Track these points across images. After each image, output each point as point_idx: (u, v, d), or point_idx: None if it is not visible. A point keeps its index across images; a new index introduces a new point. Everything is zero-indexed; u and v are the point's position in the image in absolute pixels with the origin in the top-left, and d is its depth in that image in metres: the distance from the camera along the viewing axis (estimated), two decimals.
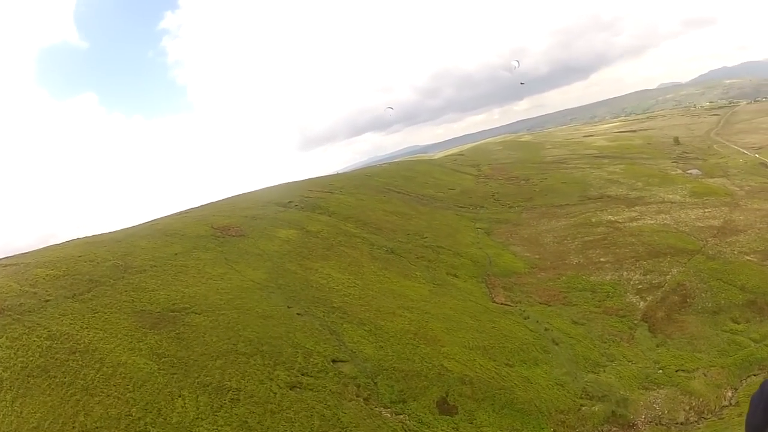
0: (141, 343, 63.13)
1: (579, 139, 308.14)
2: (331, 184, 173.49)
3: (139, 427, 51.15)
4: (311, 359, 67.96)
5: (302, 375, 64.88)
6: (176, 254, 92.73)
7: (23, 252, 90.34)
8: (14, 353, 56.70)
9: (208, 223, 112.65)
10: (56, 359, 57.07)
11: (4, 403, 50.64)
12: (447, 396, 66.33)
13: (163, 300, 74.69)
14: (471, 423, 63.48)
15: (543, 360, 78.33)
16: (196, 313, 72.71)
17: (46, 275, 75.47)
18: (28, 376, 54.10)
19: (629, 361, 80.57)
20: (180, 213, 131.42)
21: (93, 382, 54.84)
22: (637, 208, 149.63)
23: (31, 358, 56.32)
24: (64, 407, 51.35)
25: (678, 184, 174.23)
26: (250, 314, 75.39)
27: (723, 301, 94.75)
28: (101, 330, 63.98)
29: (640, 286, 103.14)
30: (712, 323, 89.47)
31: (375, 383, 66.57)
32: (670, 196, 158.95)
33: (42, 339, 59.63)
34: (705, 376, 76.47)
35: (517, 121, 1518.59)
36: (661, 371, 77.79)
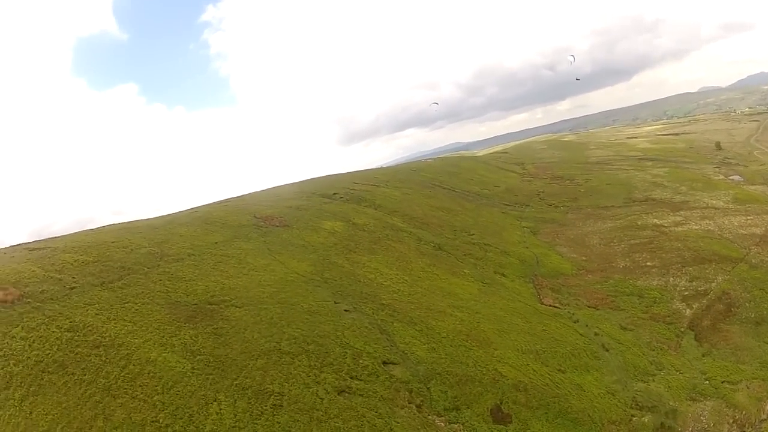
0: (174, 339, 55.60)
1: (622, 141, 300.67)
2: (375, 177, 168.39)
3: None
4: (361, 361, 60.62)
5: (351, 378, 57.53)
6: (216, 243, 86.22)
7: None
8: (29, 345, 48.94)
9: (251, 212, 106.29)
10: (76, 354, 49.30)
11: (12, 402, 42.78)
12: (501, 403, 60.64)
13: (200, 291, 67.45)
14: None
15: (594, 366, 73.25)
16: (236, 307, 65.37)
17: (75, 261, 68.17)
18: (43, 372, 46.29)
19: (677, 371, 75.88)
20: (221, 202, 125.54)
21: (116, 382, 47.13)
22: (682, 212, 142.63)
23: (48, 352, 48.55)
24: (81, 409, 43.48)
25: (721, 189, 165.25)
26: (294, 309, 68.05)
27: (765, 312, 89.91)
28: (130, 322, 56.52)
29: (686, 293, 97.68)
30: (754, 334, 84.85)
31: (428, 388, 59.88)
32: (714, 202, 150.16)
33: (62, 330, 51.87)
34: (748, 388, 72.21)
35: (560, 121, 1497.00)
36: (707, 382, 73.61)
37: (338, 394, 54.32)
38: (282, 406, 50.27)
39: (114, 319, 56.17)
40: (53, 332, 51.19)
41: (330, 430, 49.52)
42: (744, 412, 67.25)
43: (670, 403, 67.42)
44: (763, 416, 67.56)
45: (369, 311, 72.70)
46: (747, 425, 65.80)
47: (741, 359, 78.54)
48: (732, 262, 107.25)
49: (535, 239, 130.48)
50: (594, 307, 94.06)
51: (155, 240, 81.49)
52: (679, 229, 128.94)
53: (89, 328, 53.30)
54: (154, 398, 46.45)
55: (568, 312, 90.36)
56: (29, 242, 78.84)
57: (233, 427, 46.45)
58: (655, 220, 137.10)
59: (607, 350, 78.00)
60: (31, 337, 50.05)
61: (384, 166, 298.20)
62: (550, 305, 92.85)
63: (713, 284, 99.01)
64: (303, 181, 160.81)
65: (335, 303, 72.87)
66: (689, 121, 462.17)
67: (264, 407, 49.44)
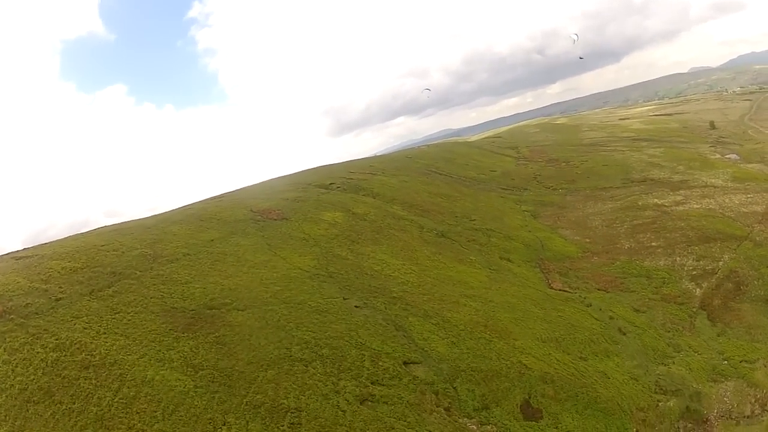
0: (172, 352, 49.60)
1: (615, 122, 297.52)
2: (371, 165, 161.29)
3: None
4: (380, 363, 55.10)
5: (372, 384, 51.85)
6: (212, 240, 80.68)
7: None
8: (12, 370, 42.85)
9: (247, 206, 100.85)
10: (64, 378, 43.18)
11: None
12: (530, 398, 56.48)
13: (198, 294, 61.64)
14: (556, 428, 53.92)
15: (614, 351, 69.88)
16: (238, 310, 59.66)
17: (62, 268, 62.21)
18: (28, 402, 40.22)
19: (695, 352, 72.81)
20: (215, 197, 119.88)
21: (110, 410, 41.01)
22: (681, 192, 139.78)
23: (33, 377, 42.43)
24: None
25: (719, 168, 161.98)
26: (302, 309, 62.49)
27: None
28: (122, 335, 50.44)
29: (694, 272, 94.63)
30: (766, 312, 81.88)
31: (454, 388, 54.86)
32: (713, 181, 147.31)
33: (48, 350, 45.75)
34: (765, 367, 69.98)
35: (550, 105, 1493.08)
36: (726, 362, 70.95)
37: (361, 403, 48.79)
38: (301, 423, 44.49)
39: (104, 333, 50.22)
40: (38, 353, 45.20)
41: None
42: (765, 391, 65.03)
43: (694, 386, 64.84)
44: None
45: (381, 306, 67.52)
46: None
47: (755, 337, 76.09)
48: (736, 240, 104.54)
49: (536, 223, 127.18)
50: (604, 290, 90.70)
51: (147, 240, 75.92)
52: (681, 208, 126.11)
53: (77, 345, 47.25)
54: (154, 427, 40.48)
55: (580, 296, 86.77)
56: (17, 251, 73.45)
57: None
58: (656, 200, 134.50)
59: (624, 334, 74.71)
60: (14, 360, 44.10)
61: (377, 155, 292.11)
62: (560, 289, 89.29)
63: (720, 263, 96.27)
64: (298, 173, 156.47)
65: (344, 299, 67.64)
66: (681, 101, 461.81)
67: (281, 427, 43.67)
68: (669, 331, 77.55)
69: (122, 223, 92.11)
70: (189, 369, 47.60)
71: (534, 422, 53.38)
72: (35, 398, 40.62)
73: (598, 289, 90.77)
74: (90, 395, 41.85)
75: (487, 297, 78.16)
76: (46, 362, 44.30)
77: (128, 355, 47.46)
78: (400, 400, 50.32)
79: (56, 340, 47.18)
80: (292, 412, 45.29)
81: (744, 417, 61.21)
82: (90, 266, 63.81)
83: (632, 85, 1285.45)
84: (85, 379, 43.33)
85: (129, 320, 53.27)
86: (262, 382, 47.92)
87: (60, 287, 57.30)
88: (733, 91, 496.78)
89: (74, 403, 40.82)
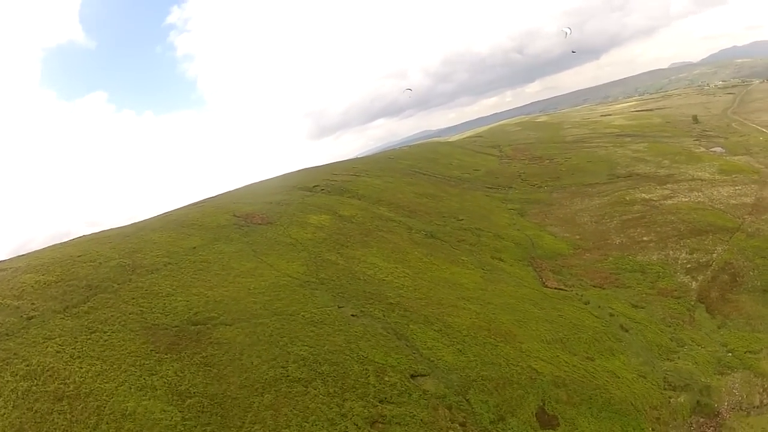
0: (155, 377, 44.33)
1: (597, 119, 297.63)
2: (354, 167, 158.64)
3: None
4: (386, 378, 50.51)
5: (381, 403, 47.21)
6: (194, 248, 75.81)
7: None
8: None
9: (229, 211, 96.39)
10: (36, 412, 37.90)
11: None
12: (544, 405, 53.59)
13: (181, 308, 56.55)
14: None
15: (618, 349, 67.73)
16: (225, 325, 54.61)
17: (36, 282, 57.02)
18: None
19: (699, 345, 71.87)
20: (196, 203, 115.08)
21: None
22: (669, 185, 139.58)
23: (3, 412, 37.26)
24: None
25: (705, 161, 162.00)
26: (295, 321, 57.72)
27: None
28: (98, 359, 45.11)
29: (688, 266, 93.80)
30: (764, 302, 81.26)
31: (467, 400, 50.81)
32: (700, 174, 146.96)
33: (18, 379, 40.51)
34: None
35: (530, 103, 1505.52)
36: (730, 354, 70.35)
37: (371, 426, 44.21)
38: None
39: (79, 357, 44.97)
40: (8, 383, 39.94)
41: None
42: None
43: (702, 380, 63.59)
44: None
45: (378, 314, 63.25)
46: None
47: (756, 328, 75.60)
48: (728, 232, 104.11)
49: (524, 221, 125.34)
50: (600, 287, 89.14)
51: (126, 250, 71.02)
52: (669, 202, 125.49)
53: (49, 372, 42.07)
54: None
55: (576, 294, 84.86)
56: None
57: None
58: (644, 195, 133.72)
59: (627, 331, 72.83)
60: None
61: (358, 156, 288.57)
62: (555, 288, 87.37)
63: (714, 255, 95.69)
64: (280, 176, 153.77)
65: (339, 307, 63.18)
66: (662, 96, 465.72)
67: None
68: (670, 326, 76.23)
69: (101, 231, 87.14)
70: (175, 397, 42.59)
71: (551, 430, 50.87)
72: None
73: (594, 286, 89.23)
74: None
75: (485, 299, 75.31)
76: (17, 393, 39.20)
77: (106, 383, 42.34)
78: (412, 419, 46.07)
79: (27, 366, 42.16)
80: None
81: (754, 407, 60.44)
82: (65, 279, 58.88)
83: (612, 82, 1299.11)
84: (59, 413, 38.26)
85: (106, 341, 48.22)
86: (259, 409, 43.07)
87: (32, 303, 52.38)
88: (715, 85, 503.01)
89: None
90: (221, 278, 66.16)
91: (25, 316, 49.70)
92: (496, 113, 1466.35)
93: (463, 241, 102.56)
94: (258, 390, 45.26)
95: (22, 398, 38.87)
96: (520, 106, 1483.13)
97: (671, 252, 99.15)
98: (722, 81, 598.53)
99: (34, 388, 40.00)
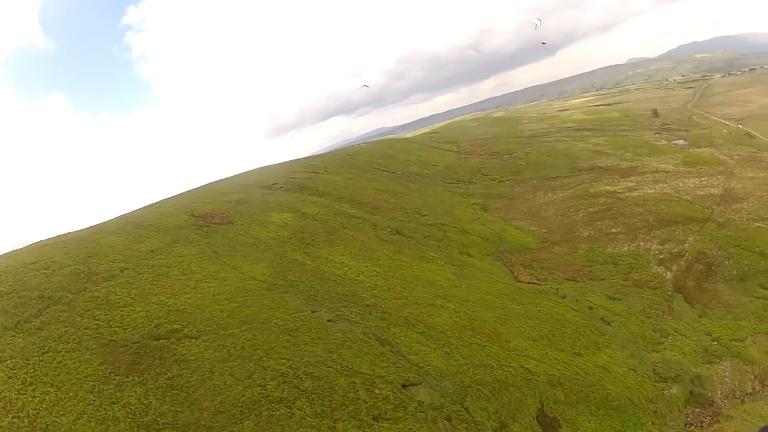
0: (116, 406, 38.42)
1: (554, 114, 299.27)
2: (313, 164, 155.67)
3: None
4: (376, 390, 45.45)
5: (375, 420, 42.12)
6: (152, 251, 70.34)
7: None
8: None
9: (188, 210, 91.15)
10: None
11: None
12: (543, 407, 51.32)
13: (141, 320, 50.81)
14: None
15: (603, 343, 66.63)
16: (191, 338, 49.05)
17: None
18: None
19: (683, 335, 71.61)
20: (153, 204, 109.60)
21: None
22: (632, 178, 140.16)
23: None
24: None
25: (668, 154, 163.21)
26: (268, 330, 52.35)
27: (747, 268, 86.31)
28: (53, 386, 39.25)
29: (661, 256, 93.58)
30: (742, 290, 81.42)
31: (466, 409, 47.00)
32: (663, 166, 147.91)
33: None
34: (755, 343, 69.52)
35: (485, 100, 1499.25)
36: (716, 343, 70.52)
37: None
38: None
39: (32, 384, 39.02)
40: None
41: None
42: (762, 367, 64.55)
43: (692, 370, 63.39)
44: None
45: (356, 317, 58.63)
46: (767, 379, 63.61)
47: (737, 316, 75.97)
48: (698, 222, 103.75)
49: (488, 215, 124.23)
50: (573, 280, 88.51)
51: (81, 255, 65.00)
52: (634, 194, 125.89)
53: (2, 403, 36.26)
54: None
55: (551, 288, 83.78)
56: None
57: None
58: (608, 187, 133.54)
59: (609, 323, 71.83)
60: None
61: (315, 154, 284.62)
62: (528, 282, 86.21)
63: (686, 245, 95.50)
64: (238, 175, 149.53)
65: (313, 312, 58.07)
66: (620, 91, 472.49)
67: None
68: (650, 317, 75.67)
69: (57, 236, 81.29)
70: (141, 431, 36.87)
71: None
72: None
73: (567, 279, 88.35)
74: None
75: (461, 296, 72.64)
76: None
77: (62, 415, 36.45)
78: None
79: None
80: None
81: (747, 394, 60.69)
82: (17, 290, 53.12)
83: (568, 77, 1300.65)
84: None
85: (60, 363, 42.37)
86: None
87: None
88: (674, 80, 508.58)
89: None
90: (182, 284, 61.07)
91: None
92: (450, 110, 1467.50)
93: (430, 237, 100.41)
94: (236, 416, 39.61)
95: None
96: (475, 103, 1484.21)
97: (642, 243, 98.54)
98: (681, 76, 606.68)
99: None
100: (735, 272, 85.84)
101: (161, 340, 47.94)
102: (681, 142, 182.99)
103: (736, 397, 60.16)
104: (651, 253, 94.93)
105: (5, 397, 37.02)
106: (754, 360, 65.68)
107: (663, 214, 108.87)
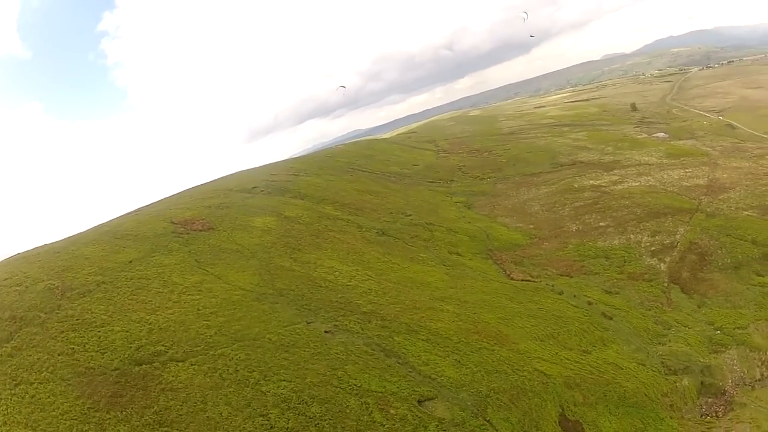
0: None
1: (531, 111, 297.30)
2: (292, 167, 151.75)
3: None
4: (391, 410, 41.10)
5: None
6: (130, 262, 66.01)
7: None
8: None
9: (166, 218, 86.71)
10: None
11: None
12: (564, 410, 49.94)
13: (120, 342, 46.12)
14: None
15: (608, 338, 65.96)
16: (176, 361, 44.36)
17: None
18: None
19: (685, 326, 71.55)
20: (131, 212, 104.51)
21: None
22: (616, 171, 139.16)
23: None
24: None
25: (650, 147, 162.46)
26: (262, 347, 47.80)
27: (740, 256, 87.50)
28: (27, 426, 34.88)
29: (653, 248, 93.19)
30: (737, 278, 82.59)
31: (488, 422, 43.75)
32: (646, 159, 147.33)
33: None
34: (758, 330, 70.48)
35: (460, 99, 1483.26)
36: (719, 332, 70.84)
37: None
38: None
39: (5, 424, 34.64)
40: None
41: None
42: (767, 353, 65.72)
43: (700, 360, 63.66)
44: None
45: (355, 327, 54.64)
46: None
47: (736, 304, 76.68)
48: (687, 213, 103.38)
49: (472, 213, 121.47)
50: (567, 275, 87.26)
51: (56, 269, 60.70)
52: (619, 187, 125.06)
53: None
54: None
55: (547, 284, 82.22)
56: None
57: None
58: (591, 181, 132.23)
59: (610, 318, 71.01)
60: None
61: (293, 157, 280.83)
62: (522, 279, 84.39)
63: (677, 236, 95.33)
64: (217, 179, 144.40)
65: (308, 323, 53.92)
66: (596, 87, 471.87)
67: None
68: (650, 310, 75.46)
69: (32, 249, 76.39)
70: None
71: None
72: None
73: (561, 275, 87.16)
74: None
75: (458, 297, 70.44)
76: None
77: None
78: None
79: None
80: None
81: (757, 381, 61.94)
82: None
83: (543, 75, 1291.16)
84: None
85: (33, 397, 37.95)
86: None
87: None
88: (651, 74, 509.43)
89: None
90: (163, 297, 56.71)
91: None
92: (426, 110, 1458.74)
93: (417, 237, 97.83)
94: None
95: None
96: (451, 102, 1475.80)
97: (632, 236, 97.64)
98: (658, 70, 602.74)
99: None
100: (729, 261, 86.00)
101: (144, 365, 43.46)
102: (662, 134, 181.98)
103: (746, 385, 60.92)
104: (642, 245, 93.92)
105: None
106: (760, 346, 66.39)
107: (651, 206, 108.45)
